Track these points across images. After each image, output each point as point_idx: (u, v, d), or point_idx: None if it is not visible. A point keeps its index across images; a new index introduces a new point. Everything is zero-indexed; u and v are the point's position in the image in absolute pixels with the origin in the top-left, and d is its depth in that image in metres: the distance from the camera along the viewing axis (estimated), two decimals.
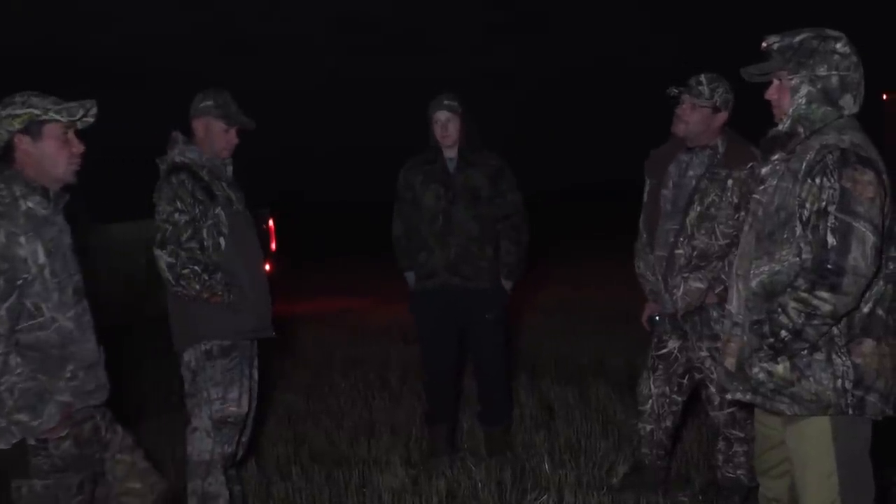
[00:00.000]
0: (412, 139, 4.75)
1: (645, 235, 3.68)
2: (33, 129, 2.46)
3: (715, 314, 3.48)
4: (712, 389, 3.54)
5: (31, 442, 2.41)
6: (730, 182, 3.44)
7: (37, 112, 2.46)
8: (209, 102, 3.42)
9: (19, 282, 2.37)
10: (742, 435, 3.56)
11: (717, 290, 3.47)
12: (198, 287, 3.23)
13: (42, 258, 2.42)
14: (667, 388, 3.68)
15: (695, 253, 3.48)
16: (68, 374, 2.49)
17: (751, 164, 3.40)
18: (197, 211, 3.27)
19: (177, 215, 3.23)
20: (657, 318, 3.75)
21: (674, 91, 3.55)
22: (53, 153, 2.50)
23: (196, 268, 3.22)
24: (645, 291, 3.78)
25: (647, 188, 3.71)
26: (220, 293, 3.26)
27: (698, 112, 3.49)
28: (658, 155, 3.71)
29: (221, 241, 3.32)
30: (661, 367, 3.69)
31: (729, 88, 3.51)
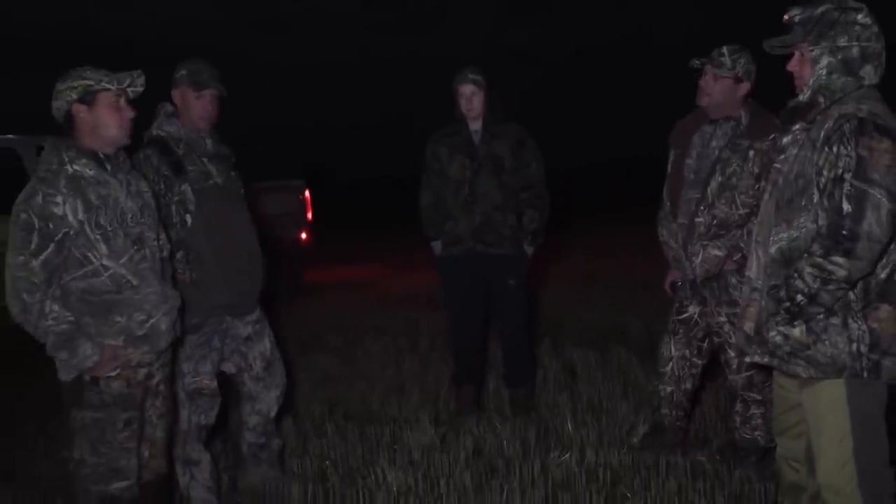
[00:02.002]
0: (436, 114, 4.72)
1: (668, 204, 3.64)
2: (88, 98, 2.63)
3: (733, 281, 3.45)
4: (731, 353, 3.53)
5: (86, 378, 2.56)
6: (751, 153, 3.39)
7: (90, 83, 2.62)
8: (182, 72, 3.33)
9: (58, 236, 2.52)
10: (759, 397, 3.55)
11: (735, 258, 3.44)
12: None
13: (81, 214, 2.55)
14: (687, 352, 3.68)
15: (714, 221, 3.45)
16: (117, 319, 2.62)
17: (773, 136, 3.34)
18: (162, 186, 3.20)
19: None
20: (679, 283, 3.73)
21: (696, 63, 3.50)
22: (107, 118, 2.65)
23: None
24: (668, 258, 3.75)
25: (671, 158, 3.67)
26: (180, 270, 3.21)
27: (721, 83, 3.43)
28: (682, 125, 3.66)
29: (188, 217, 3.24)
30: (681, 330, 3.68)
31: (751, 59, 3.44)
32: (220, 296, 3.30)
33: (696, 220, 3.47)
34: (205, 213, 3.27)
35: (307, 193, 8.96)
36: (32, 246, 2.49)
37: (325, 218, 10.41)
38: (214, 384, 3.40)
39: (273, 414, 3.66)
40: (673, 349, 3.70)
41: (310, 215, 8.98)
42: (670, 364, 3.71)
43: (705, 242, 3.46)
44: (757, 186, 3.35)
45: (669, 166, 3.66)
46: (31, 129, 6.56)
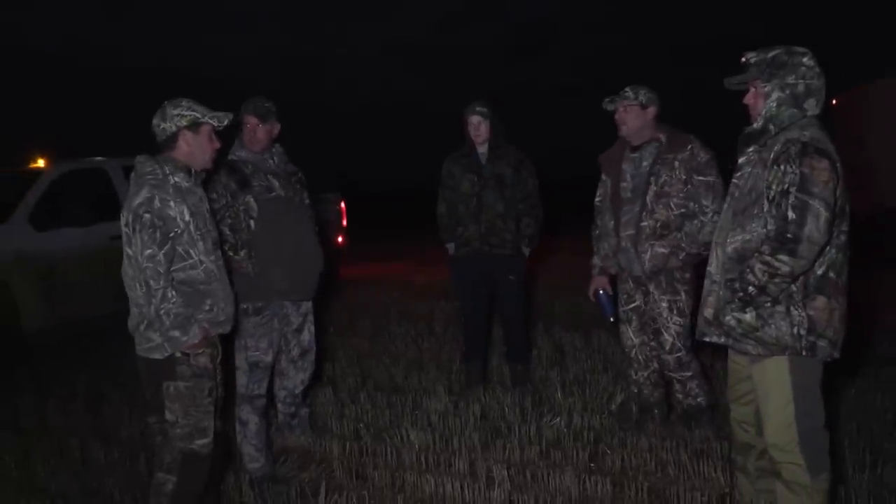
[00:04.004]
0: (442, 141, 4.71)
1: (612, 221, 3.57)
2: (194, 127, 2.62)
3: (678, 275, 3.42)
4: (666, 336, 3.46)
5: (178, 354, 2.54)
6: (676, 163, 3.38)
7: (198, 115, 2.63)
8: (245, 107, 3.40)
9: (171, 234, 2.50)
10: (690, 373, 3.50)
11: (680, 257, 3.39)
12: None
13: (187, 216, 2.55)
14: (644, 337, 3.59)
15: (658, 224, 3.40)
16: (207, 307, 2.61)
17: (689, 147, 3.36)
18: (229, 198, 3.29)
19: (211, 203, 3.19)
20: (601, 292, 3.67)
21: (608, 103, 3.49)
22: (204, 146, 2.65)
23: (224, 247, 3.19)
24: (595, 270, 3.70)
25: (608, 183, 3.62)
26: (244, 265, 3.26)
27: (631, 111, 3.44)
28: (609, 156, 3.63)
29: (251, 222, 3.29)
30: (634, 318, 3.60)
31: (650, 90, 3.45)
32: (278, 283, 3.34)
33: (642, 224, 3.43)
34: (267, 219, 3.31)
35: (343, 204, 8.99)
36: (157, 240, 2.45)
37: (356, 223, 10.43)
38: (269, 359, 3.41)
39: (298, 391, 3.69)
40: (633, 337, 3.62)
41: (344, 222, 9.00)
42: (633, 351, 3.63)
43: (652, 242, 3.42)
44: (685, 189, 3.35)
45: (608, 189, 3.61)
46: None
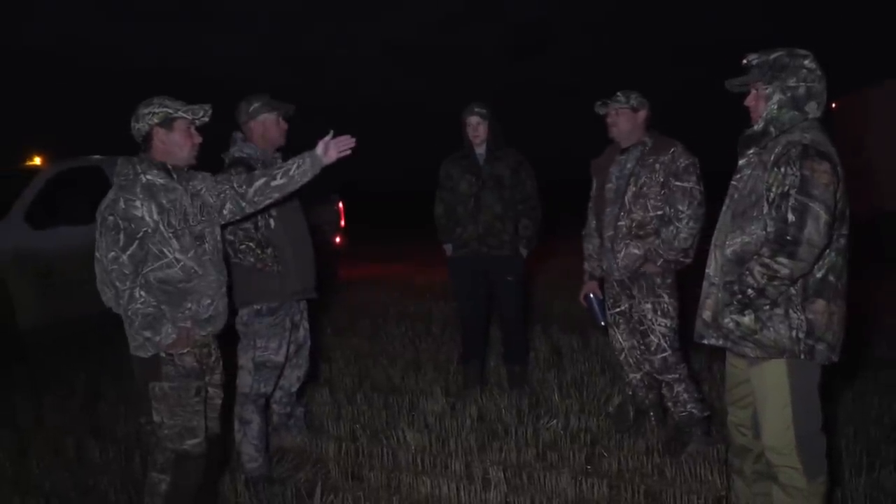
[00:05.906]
0: (443, 142, 4.71)
1: (595, 222, 3.63)
2: (167, 123, 2.56)
3: (658, 280, 3.41)
4: (651, 338, 3.43)
5: (163, 354, 2.51)
6: (657, 166, 3.38)
7: (170, 111, 2.56)
8: (257, 104, 3.35)
9: (140, 234, 2.46)
10: (677, 376, 3.44)
11: (658, 263, 3.37)
12: (252, 259, 3.19)
13: (156, 215, 2.48)
14: (634, 341, 3.56)
15: (634, 224, 3.40)
16: (189, 305, 2.56)
17: (672, 150, 3.37)
18: None
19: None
20: (591, 296, 3.66)
21: (599, 106, 3.51)
22: (181, 142, 2.58)
23: (251, 244, 3.19)
24: (585, 275, 3.70)
25: (594, 186, 3.66)
26: (269, 264, 3.23)
27: (623, 115, 3.46)
28: (600, 161, 3.66)
29: (271, 221, 3.26)
30: (622, 322, 3.57)
31: (640, 95, 3.47)
32: (295, 283, 3.34)
33: (619, 223, 3.43)
34: (282, 218, 3.29)
35: (341, 205, 8.99)
36: (121, 243, 2.43)
37: (355, 223, 10.41)
38: (278, 359, 3.37)
39: (294, 389, 3.67)
40: (621, 340, 3.59)
41: (343, 223, 8.99)
42: (623, 354, 3.60)
43: (628, 241, 3.42)
44: (663, 192, 3.36)
45: (594, 192, 3.65)
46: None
